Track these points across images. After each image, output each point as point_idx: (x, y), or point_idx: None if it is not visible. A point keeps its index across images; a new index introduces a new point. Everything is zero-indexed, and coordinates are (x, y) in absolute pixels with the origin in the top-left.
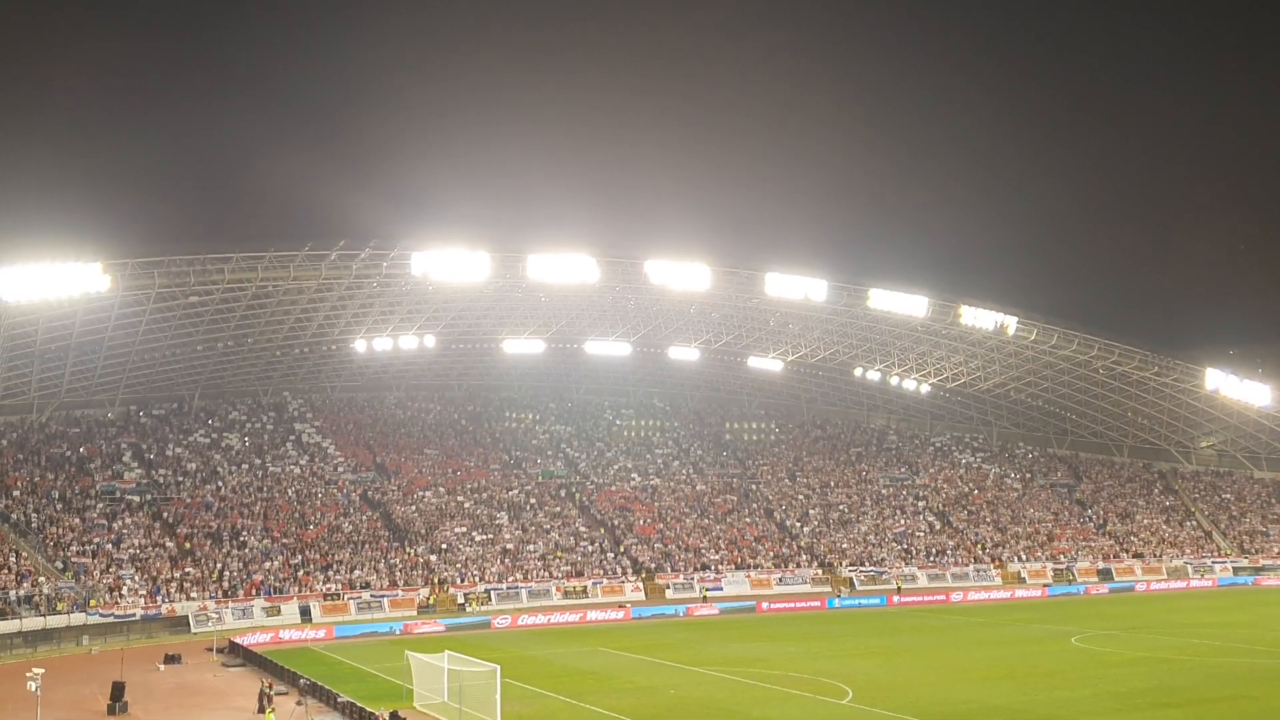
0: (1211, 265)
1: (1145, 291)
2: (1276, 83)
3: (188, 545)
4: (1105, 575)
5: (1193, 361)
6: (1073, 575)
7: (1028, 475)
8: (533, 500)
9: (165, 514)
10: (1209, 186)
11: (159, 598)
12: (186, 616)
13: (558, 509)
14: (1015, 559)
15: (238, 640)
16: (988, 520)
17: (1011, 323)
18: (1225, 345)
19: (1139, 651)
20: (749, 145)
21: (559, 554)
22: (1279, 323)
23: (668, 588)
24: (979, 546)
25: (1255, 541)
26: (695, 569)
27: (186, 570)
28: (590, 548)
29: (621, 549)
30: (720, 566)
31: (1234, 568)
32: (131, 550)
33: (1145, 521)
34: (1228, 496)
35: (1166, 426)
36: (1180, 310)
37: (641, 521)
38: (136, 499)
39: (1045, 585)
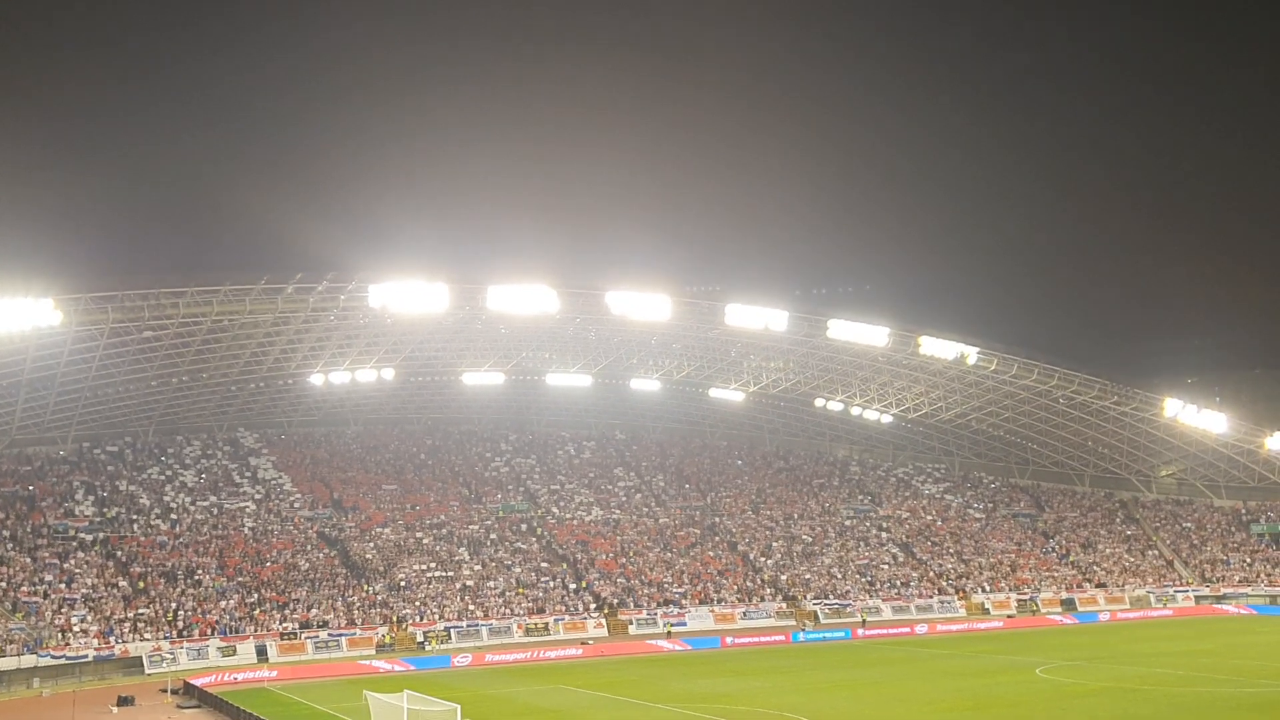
0: (1169, 296)
1: (1104, 321)
2: (1236, 117)
3: (141, 584)
4: (1069, 605)
5: (1151, 390)
6: (1036, 606)
7: (990, 505)
8: (493, 535)
9: (118, 552)
10: (1167, 218)
11: (112, 638)
12: (140, 657)
13: (519, 544)
14: (979, 590)
15: (193, 681)
16: (951, 551)
17: (972, 353)
18: (1183, 374)
19: (1103, 682)
20: (710, 177)
21: (520, 590)
22: (1235, 352)
23: (631, 623)
24: (943, 578)
25: (1216, 570)
26: (659, 604)
27: (140, 610)
28: (552, 583)
29: (584, 584)
30: (684, 601)
31: (1195, 596)
32: (84, 590)
33: (1107, 551)
34: (1188, 525)
35: (1127, 455)
36: (1138, 340)
37: (604, 556)
38: (89, 537)
39: (1009, 616)
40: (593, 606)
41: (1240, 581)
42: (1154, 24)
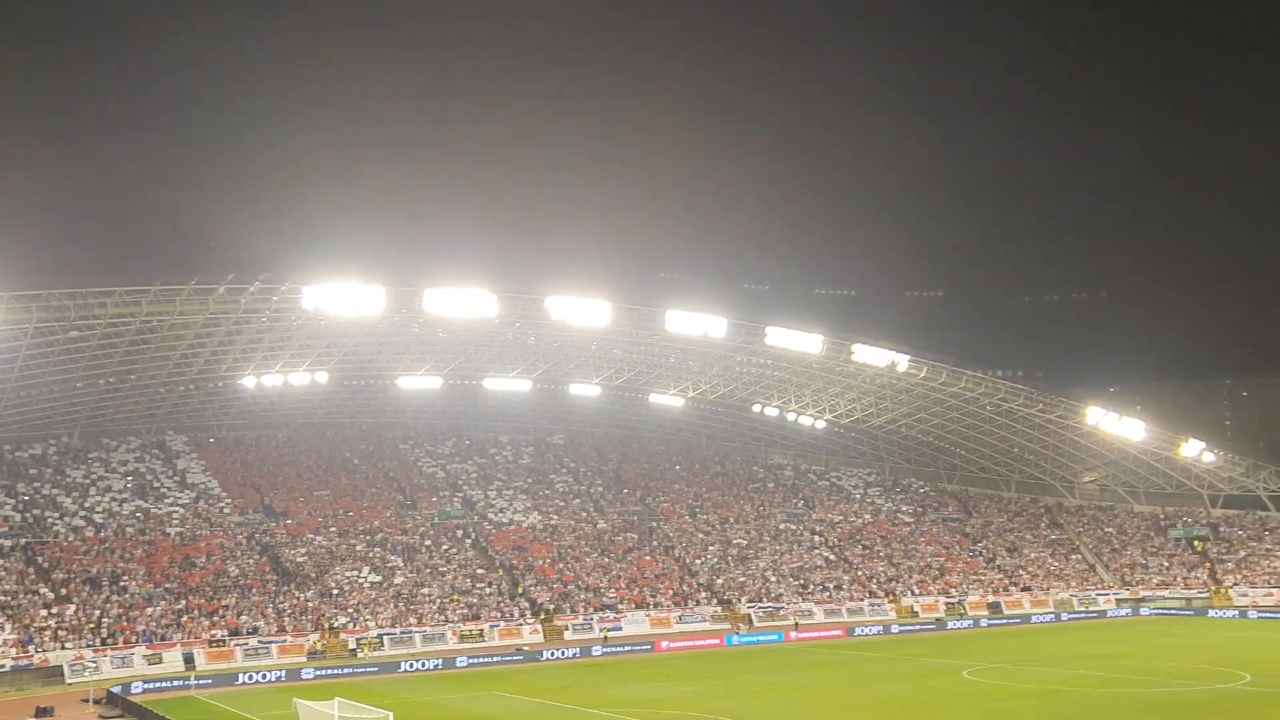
0: (1093, 308)
1: (1030, 332)
2: (1158, 134)
3: (64, 591)
4: (995, 609)
5: (1075, 398)
6: (964, 609)
7: (920, 510)
8: (428, 542)
9: (40, 558)
10: (1094, 235)
11: (31, 647)
12: (61, 666)
13: (454, 551)
14: (908, 593)
15: (116, 690)
16: (881, 554)
17: (902, 360)
18: (1105, 383)
19: (1027, 684)
20: (649, 183)
21: (455, 598)
22: (1156, 363)
23: (567, 629)
24: (873, 581)
25: (1136, 574)
26: (595, 609)
27: (62, 616)
28: (488, 590)
29: (520, 590)
30: (620, 606)
31: (1116, 599)
32: (2, 597)
33: (1033, 555)
34: (1110, 530)
35: (1051, 462)
36: (1063, 350)
37: (541, 562)
38: (8, 542)
39: (937, 619)
40: (529, 612)
41: (1158, 584)
42: (1077, 43)
